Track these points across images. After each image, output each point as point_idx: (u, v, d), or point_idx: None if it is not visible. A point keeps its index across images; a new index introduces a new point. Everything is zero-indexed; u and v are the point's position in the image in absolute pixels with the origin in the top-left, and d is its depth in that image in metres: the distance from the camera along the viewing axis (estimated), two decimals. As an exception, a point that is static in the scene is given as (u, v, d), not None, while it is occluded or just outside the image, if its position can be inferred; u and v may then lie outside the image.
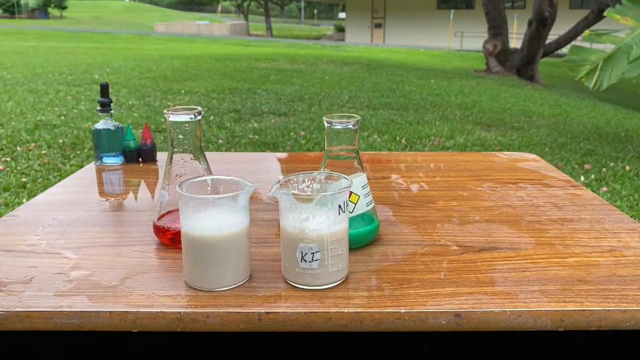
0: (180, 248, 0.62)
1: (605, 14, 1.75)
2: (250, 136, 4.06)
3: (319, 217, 0.52)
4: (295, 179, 0.55)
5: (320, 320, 0.50)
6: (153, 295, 0.52)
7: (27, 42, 14.14)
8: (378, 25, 22.12)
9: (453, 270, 0.58)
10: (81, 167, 2.88)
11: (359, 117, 0.61)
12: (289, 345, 0.56)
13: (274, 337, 0.53)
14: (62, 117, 4.50)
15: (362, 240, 0.63)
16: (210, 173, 0.66)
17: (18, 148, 3.45)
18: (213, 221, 0.51)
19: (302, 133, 4.20)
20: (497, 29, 9.22)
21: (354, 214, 0.62)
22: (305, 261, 0.52)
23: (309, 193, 0.55)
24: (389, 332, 0.51)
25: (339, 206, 0.52)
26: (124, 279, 0.55)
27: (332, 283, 0.54)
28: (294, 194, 0.51)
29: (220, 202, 0.52)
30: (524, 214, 0.76)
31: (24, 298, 0.51)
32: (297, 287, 0.53)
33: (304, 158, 1.14)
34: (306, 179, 0.55)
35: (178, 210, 0.62)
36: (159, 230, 0.64)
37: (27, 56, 9.65)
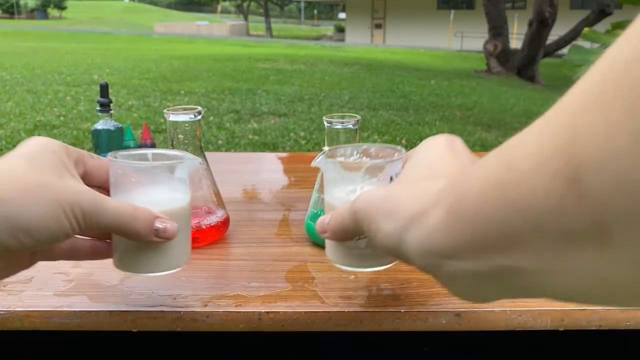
0: (180, 248, 0.62)
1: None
2: (250, 136, 4.07)
3: (369, 188, 0.44)
4: (343, 151, 0.48)
5: (320, 320, 0.50)
6: (153, 295, 0.52)
7: (27, 42, 14.15)
8: (378, 26, 22.14)
9: (453, 270, 0.58)
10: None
11: (359, 117, 0.61)
12: (289, 345, 0.56)
13: (274, 337, 0.53)
14: (62, 118, 4.50)
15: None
16: (211, 173, 0.66)
17: (18, 148, 3.45)
18: (145, 195, 0.45)
19: (302, 133, 4.20)
20: (498, 30, 9.23)
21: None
22: (352, 239, 0.44)
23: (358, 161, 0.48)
24: (389, 332, 0.51)
25: (391, 178, 0.44)
26: (124, 279, 0.55)
27: (381, 265, 0.46)
28: (340, 162, 0.45)
29: (154, 173, 0.45)
30: (524, 213, 0.76)
31: (24, 298, 0.51)
32: (345, 270, 0.47)
33: (304, 158, 1.14)
34: (355, 152, 0.49)
35: (178, 210, 0.63)
36: (159, 230, 0.64)
37: (27, 56, 9.65)
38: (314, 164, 0.46)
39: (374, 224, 0.33)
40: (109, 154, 0.44)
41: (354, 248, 0.45)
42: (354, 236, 0.40)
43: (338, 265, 0.46)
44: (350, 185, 0.45)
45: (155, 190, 0.45)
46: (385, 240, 0.32)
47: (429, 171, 0.35)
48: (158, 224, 0.41)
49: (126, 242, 0.44)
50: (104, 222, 0.39)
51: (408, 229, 0.30)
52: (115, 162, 0.44)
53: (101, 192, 0.42)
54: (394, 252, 0.31)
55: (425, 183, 0.32)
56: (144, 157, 0.47)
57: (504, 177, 0.22)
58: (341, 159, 0.47)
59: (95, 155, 0.45)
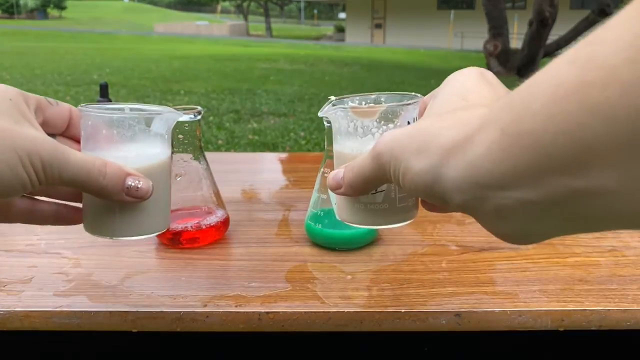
0: (180, 248, 0.62)
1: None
2: (250, 136, 4.07)
3: None
4: (351, 100, 0.43)
5: (320, 320, 0.50)
6: (153, 295, 0.52)
7: (26, 42, 14.15)
8: (378, 26, 22.15)
9: (453, 270, 0.58)
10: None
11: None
12: (289, 345, 0.56)
13: (274, 337, 0.53)
14: (62, 118, 4.50)
15: (362, 240, 0.63)
16: (210, 173, 0.66)
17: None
18: (118, 150, 0.40)
19: (302, 133, 4.20)
20: (498, 30, 9.23)
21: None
22: (367, 193, 0.40)
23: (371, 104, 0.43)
24: (389, 332, 0.50)
25: (408, 122, 0.40)
26: (124, 279, 0.55)
27: (399, 222, 0.42)
28: (352, 108, 0.40)
29: (128, 125, 0.40)
30: (524, 213, 0.76)
31: (24, 298, 0.51)
32: (361, 228, 0.44)
33: (304, 158, 1.14)
34: (364, 102, 0.43)
35: (177, 210, 0.63)
36: (158, 230, 0.64)
37: (26, 56, 9.65)
38: (321, 113, 0.42)
39: (403, 164, 0.29)
40: (80, 106, 0.40)
41: (371, 203, 0.40)
42: (375, 186, 0.37)
43: (353, 224, 0.42)
44: (364, 134, 0.40)
45: (130, 145, 0.40)
46: (417, 179, 0.28)
47: (463, 102, 0.31)
48: (130, 181, 0.38)
49: (96, 201, 0.40)
50: (67, 175, 0.35)
51: (445, 162, 0.26)
52: (85, 113, 0.39)
53: (72, 144, 0.39)
54: (428, 192, 0.28)
55: (462, 113, 0.28)
56: (120, 111, 0.41)
57: (584, 78, 0.18)
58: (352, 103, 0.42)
59: (55, 102, 0.41)
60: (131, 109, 0.41)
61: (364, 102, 0.43)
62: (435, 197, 0.28)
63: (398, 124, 0.39)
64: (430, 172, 0.27)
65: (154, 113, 0.40)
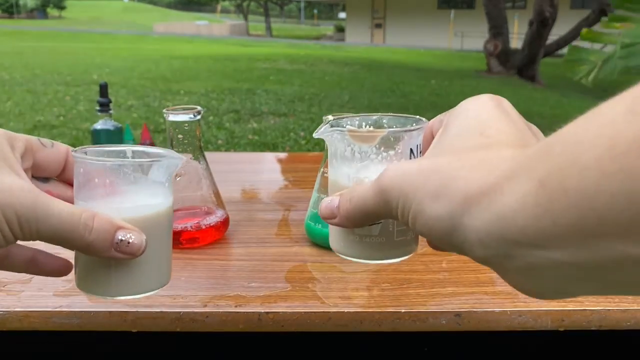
0: (179, 248, 0.62)
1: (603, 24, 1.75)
2: (250, 136, 4.07)
3: (384, 164, 0.37)
4: (350, 121, 0.40)
5: (320, 320, 0.50)
6: (152, 296, 0.52)
7: (26, 42, 14.15)
8: (378, 26, 22.15)
9: (453, 270, 0.58)
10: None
11: (358, 117, 0.61)
12: (289, 345, 0.56)
13: (274, 337, 0.53)
14: (61, 118, 4.50)
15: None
16: (210, 173, 0.66)
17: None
18: (111, 201, 0.36)
19: (302, 133, 4.20)
20: (498, 29, 9.23)
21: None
22: (367, 225, 0.36)
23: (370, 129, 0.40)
24: (388, 332, 0.50)
25: (411, 150, 0.37)
26: (124, 279, 0.55)
27: (396, 257, 0.39)
28: (350, 131, 0.37)
29: (122, 173, 0.36)
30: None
31: (23, 298, 0.51)
32: (355, 262, 0.40)
33: (304, 158, 1.14)
34: (364, 124, 0.40)
35: (177, 210, 0.62)
36: (158, 230, 0.64)
37: (26, 56, 9.65)
38: (316, 134, 0.38)
39: (415, 205, 0.26)
40: (75, 149, 0.37)
41: (366, 236, 0.37)
42: (374, 220, 0.34)
43: (346, 257, 0.39)
44: (361, 160, 0.37)
45: (125, 194, 0.36)
46: (432, 224, 0.25)
47: (482, 138, 0.27)
48: (120, 236, 0.33)
49: (85, 256, 0.36)
50: (47, 230, 0.31)
51: (467, 211, 0.24)
52: (77, 159, 0.36)
53: (67, 189, 0.37)
54: (445, 240, 0.25)
55: (484, 153, 0.25)
56: (121, 155, 0.38)
57: None
58: (350, 127, 0.39)
59: (50, 143, 0.37)
60: (133, 152, 0.38)
61: (364, 124, 0.40)
62: (452, 246, 0.26)
63: (400, 150, 0.36)
64: (449, 219, 0.25)
65: (153, 160, 0.37)
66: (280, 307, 0.50)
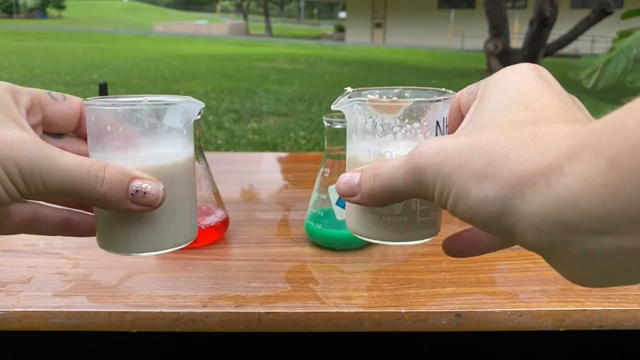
0: (180, 248, 0.62)
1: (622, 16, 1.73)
2: (250, 136, 4.07)
3: (408, 138, 0.34)
4: (370, 93, 0.37)
5: (320, 321, 0.50)
6: (152, 295, 0.52)
7: (25, 42, 14.15)
8: (378, 25, 22.15)
9: (453, 270, 0.58)
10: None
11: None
12: (289, 346, 0.56)
13: (274, 337, 0.53)
14: (62, 117, 4.50)
15: (363, 240, 0.63)
16: (210, 173, 0.66)
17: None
18: (124, 149, 0.34)
19: (302, 133, 4.20)
20: (498, 29, 9.23)
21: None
22: (387, 204, 0.33)
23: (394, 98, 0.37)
24: (389, 332, 0.50)
25: (437, 123, 0.34)
26: (123, 279, 0.55)
27: (418, 239, 0.36)
28: (371, 101, 0.34)
29: (136, 119, 0.33)
30: (524, 213, 0.76)
31: (23, 298, 0.51)
32: (374, 242, 0.37)
33: (304, 158, 1.14)
34: (384, 96, 0.37)
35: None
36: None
37: (25, 56, 9.65)
38: (334, 106, 0.36)
39: (456, 187, 0.24)
40: (84, 100, 0.35)
41: (387, 215, 0.35)
42: (401, 200, 0.31)
43: (365, 238, 0.36)
44: (384, 133, 0.34)
45: (139, 143, 0.33)
46: (478, 208, 0.23)
47: (527, 112, 0.25)
48: (135, 186, 0.31)
49: (104, 213, 0.34)
50: (54, 183, 0.29)
51: (520, 193, 0.22)
52: (88, 107, 0.33)
53: (83, 145, 0.35)
54: (492, 224, 0.23)
55: (531, 128, 0.23)
56: (136, 102, 0.34)
57: None
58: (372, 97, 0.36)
59: (61, 96, 0.35)
60: (150, 101, 0.34)
61: (384, 97, 0.37)
62: (498, 231, 0.23)
63: (425, 123, 0.34)
64: (497, 203, 0.23)
65: (168, 103, 0.34)
66: (280, 308, 0.50)
